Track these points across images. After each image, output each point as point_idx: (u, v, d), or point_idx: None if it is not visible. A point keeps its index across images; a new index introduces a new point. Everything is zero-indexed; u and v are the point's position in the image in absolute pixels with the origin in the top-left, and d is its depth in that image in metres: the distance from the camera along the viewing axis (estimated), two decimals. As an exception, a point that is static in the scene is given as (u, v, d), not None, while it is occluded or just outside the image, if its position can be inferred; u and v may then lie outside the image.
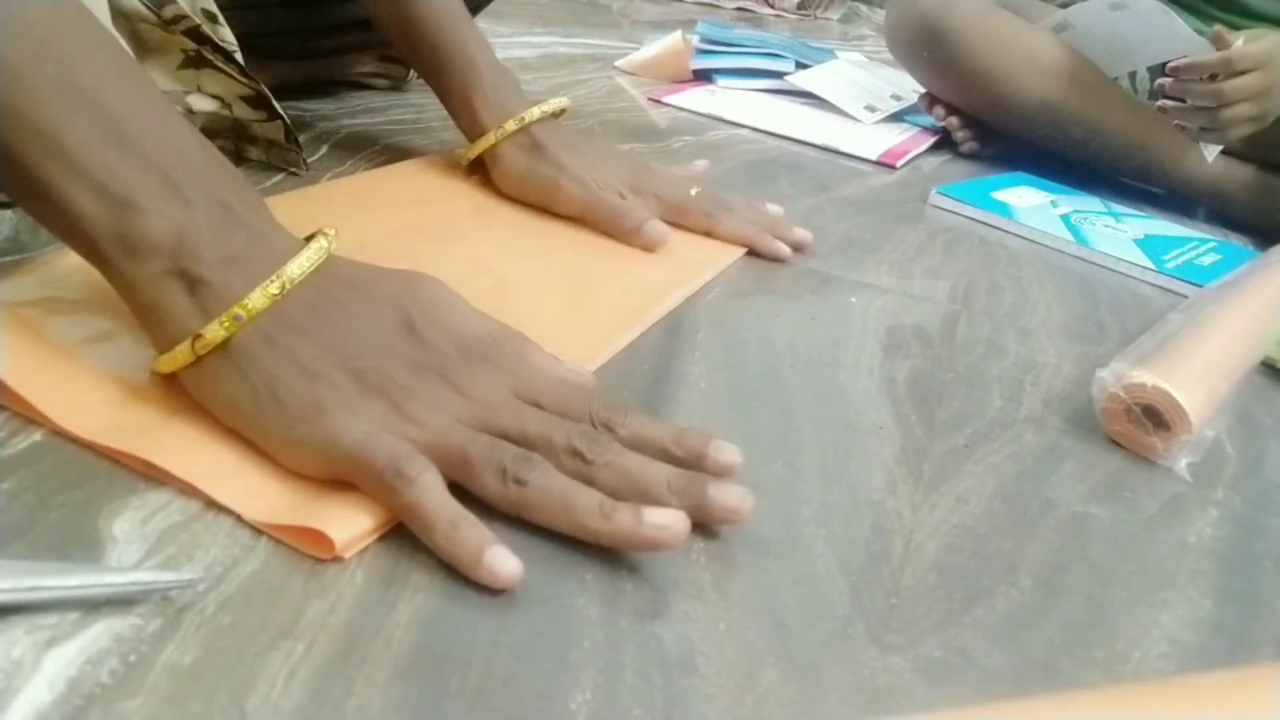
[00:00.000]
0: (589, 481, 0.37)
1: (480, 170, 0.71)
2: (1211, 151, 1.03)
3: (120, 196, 0.36)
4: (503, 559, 0.33)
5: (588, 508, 0.35)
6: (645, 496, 0.37)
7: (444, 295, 0.42)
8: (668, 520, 0.35)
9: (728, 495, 0.37)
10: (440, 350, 0.39)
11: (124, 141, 0.36)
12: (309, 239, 0.40)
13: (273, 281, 0.37)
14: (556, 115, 0.70)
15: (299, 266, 0.38)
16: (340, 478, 0.36)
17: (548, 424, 0.38)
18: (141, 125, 0.37)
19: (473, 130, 0.70)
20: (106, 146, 0.36)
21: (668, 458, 0.39)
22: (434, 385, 0.38)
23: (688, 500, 0.37)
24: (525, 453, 0.36)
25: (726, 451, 0.39)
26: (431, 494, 0.34)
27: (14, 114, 0.35)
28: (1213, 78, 0.95)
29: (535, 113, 0.68)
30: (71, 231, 0.37)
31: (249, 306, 0.36)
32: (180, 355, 0.37)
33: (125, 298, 0.38)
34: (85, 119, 0.36)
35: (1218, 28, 0.96)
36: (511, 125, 0.68)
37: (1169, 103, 0.98)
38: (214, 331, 0.36)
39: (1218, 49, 0.94)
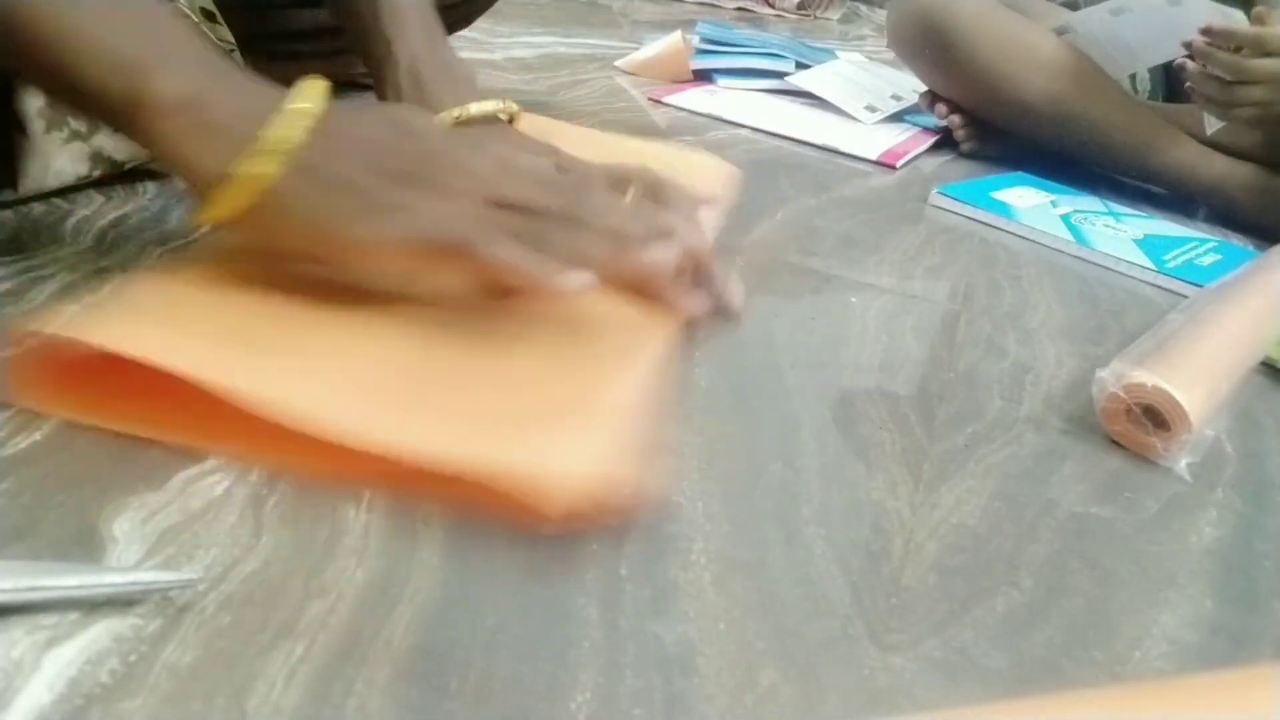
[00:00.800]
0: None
1: None
2: (1212, 124, 1.02)
3: (134, 63, 0.40)
4: (575, 277, 0.43)
5: (600, 247, 0.45)
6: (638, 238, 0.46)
7: (417, 112, 0.49)
8: (664, 253, 0.47)
9: (691, 229, 0.49)
10: (435, 144, 0.45)
11: (126, 20, 0.42)
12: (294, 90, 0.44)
13: (302, 117, 0.42)
14: (485, 119, 0.61)
15: (315, 103, 0.43)
16: (422, 256, 0.42)
17: (542, 192, 0.45)
18: (136, 9, 0.43)
19: None
20: (112, 25, 0.41)
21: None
22: (447, 170, 0.44)
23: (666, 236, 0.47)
24: (541, 217, 0.44)
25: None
26: (505, 244, 0.43)
27: (30, 15, 0.40)
28: (1240, 52, 0.94)
29: (446, 118, 0.59)
30: (98, 103, 0.41)
31: (291, 140, 0.41)
32: (237, 195, 0.41)
33: (161, 155, 0.42)
34: (91, 9, 0.41)
35: (1259, 7, 0.95)
36: None
37: (1190, 64, 0.97)
38: (266, 165, 0.41)
39: (1255, 24, 0.93)
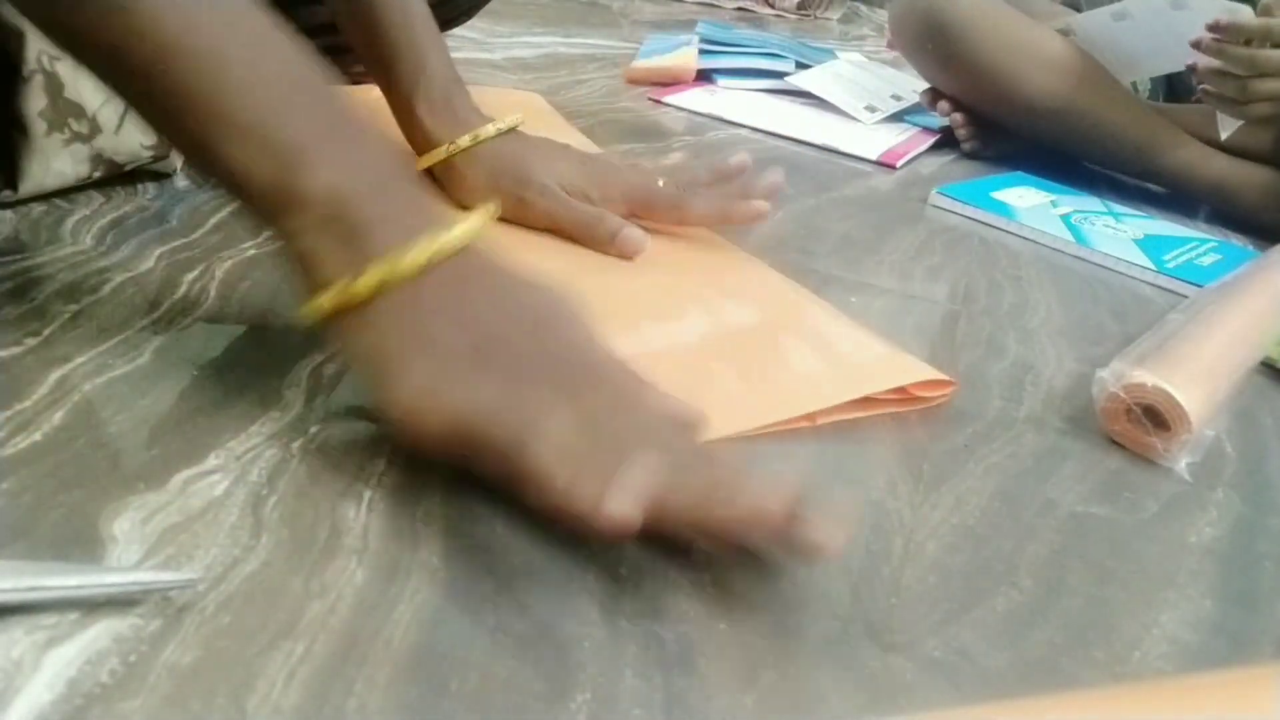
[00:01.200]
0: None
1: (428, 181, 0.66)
2: (1228, 126, 1.00)
3: (282, 149, 0.38)
4: (619, 502, 0.34)
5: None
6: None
7: (573, 315, 0.42)
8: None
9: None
10: (551, 357, 0.39)
11: (284, 101, 0.38)
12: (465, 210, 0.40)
13: (426, 247, 0.38)
14: (511, 130, 0.66)
15: (454, 239, 0.39)
16: (458, 445, 0.37)
17: (650, 450, 0.37)
18: (299, 89, 0.39)
19: (419, 141, 0.65)
20: (268, 105, 0.38)
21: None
22: (539, 387, 0.38)
23: None
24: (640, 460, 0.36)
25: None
26: (554, 451, 0.35)
27: (177, 76, 0.37)
28: (1250, 45, 0.92)
29: (490, 130, 0.64)
30: (235, 184, 0.38)
31: (400, 266, 0.37)
32: (329, 301, 0.38)
33: (286, 247, 0.39)
34: (246, 81, 0.38)
35: (1266, 0, 0.94)
36: (466, 140, 0.64)
37: (1202, 62, 0.95)
38: (364, 284, 0.37)
39: (1261, 16, 0.92)
